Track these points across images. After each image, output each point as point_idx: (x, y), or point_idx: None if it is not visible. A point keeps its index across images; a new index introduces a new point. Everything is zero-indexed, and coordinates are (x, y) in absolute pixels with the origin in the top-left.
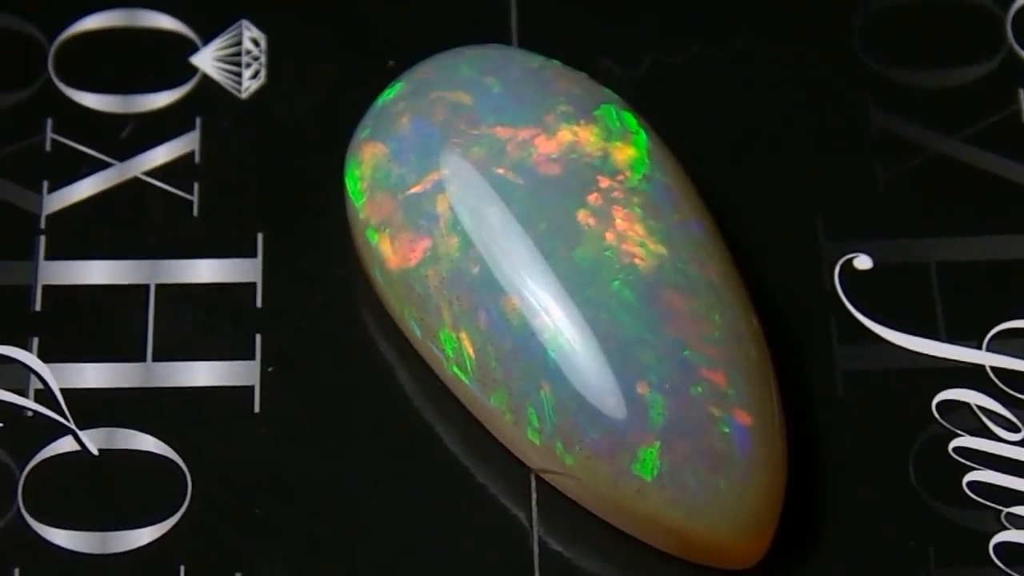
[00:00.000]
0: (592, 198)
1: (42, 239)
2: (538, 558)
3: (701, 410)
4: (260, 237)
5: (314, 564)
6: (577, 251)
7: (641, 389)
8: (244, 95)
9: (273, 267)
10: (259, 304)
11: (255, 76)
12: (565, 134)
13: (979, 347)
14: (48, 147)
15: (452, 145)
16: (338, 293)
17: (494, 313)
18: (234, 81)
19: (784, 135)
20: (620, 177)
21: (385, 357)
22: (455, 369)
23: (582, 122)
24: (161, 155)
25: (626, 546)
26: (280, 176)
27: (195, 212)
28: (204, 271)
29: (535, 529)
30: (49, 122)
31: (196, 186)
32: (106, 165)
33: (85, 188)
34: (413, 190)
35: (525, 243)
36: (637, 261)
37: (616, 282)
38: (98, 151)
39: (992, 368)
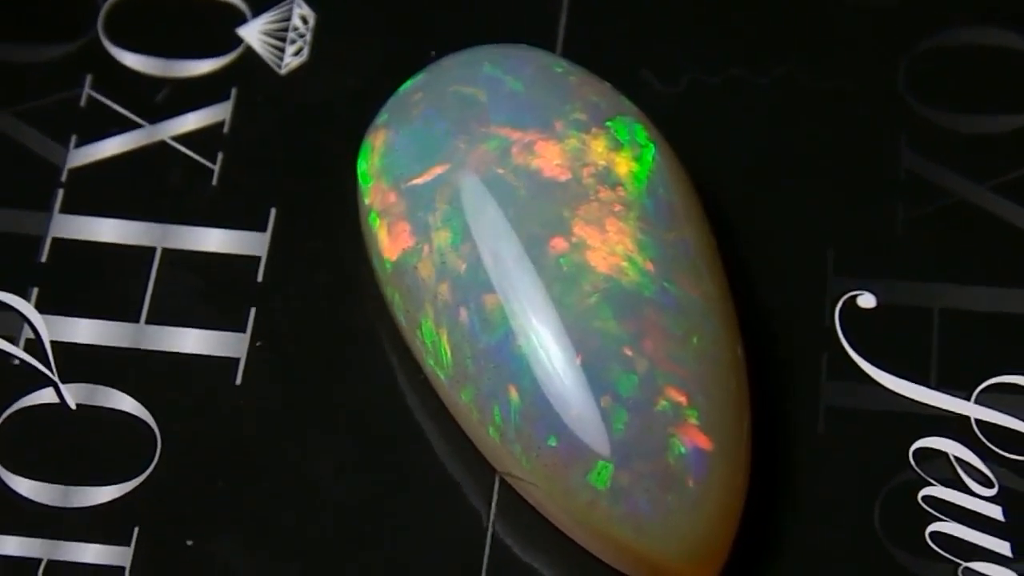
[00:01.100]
0: (589, 208)
1: (60, 192)
2: (487, 559)
3: (661, 430)
4: (273, 212)
5: (264, 543)
6: (564, 259)
7: (605, 402)
8: (283, 71)
9: (281, 244)
10: (260, 278)
11: (297, 53)
12: (573, 141)
13: (968, 398)
14: (83, 102)
15: (459, 141)
16: (340, 277)
17: (474, 311)
18: (276, 56)
19: (810, 165)
20: (620, 190)
21: (375, 345)
22: (431, 362)
23: (592, 131)
24: (191, 122)
25: (578, 557)
26: (304, 155)
27: (214, 181)
28: (212, 240)
29: (490, 529)
30: (88, 78)
31: (220, 156)
32: (136, 126)
33: (111, 147)
34: (414, 181)
35: (514, 246)
36: (622, 275)
37: (596, 295)
38: (131, 112)
39: (977, 421)
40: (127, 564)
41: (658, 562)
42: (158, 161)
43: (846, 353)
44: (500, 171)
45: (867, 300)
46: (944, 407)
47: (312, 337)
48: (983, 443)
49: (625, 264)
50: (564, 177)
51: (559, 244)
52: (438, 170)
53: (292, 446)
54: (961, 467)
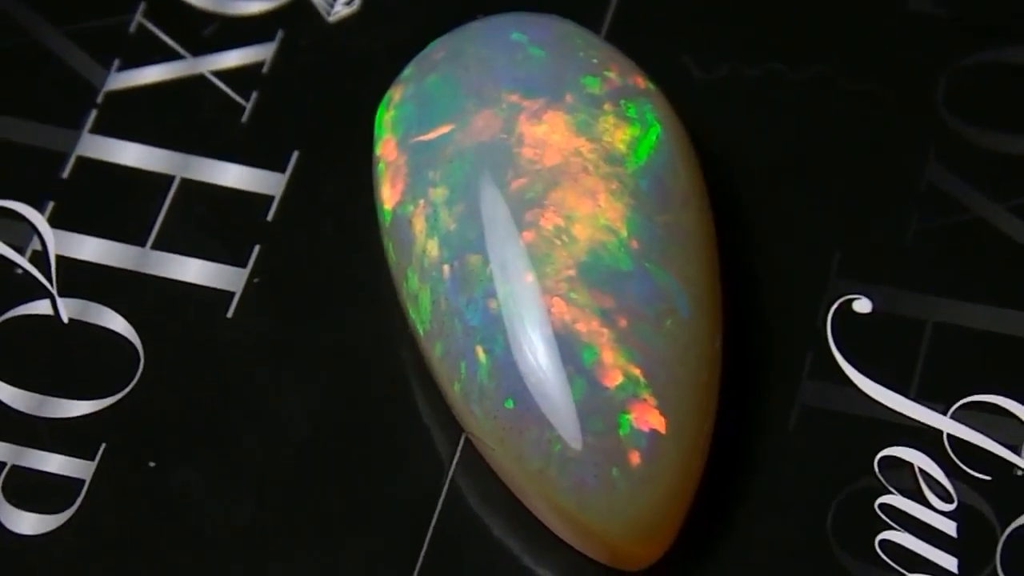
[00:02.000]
0: (585, 181)
1: (94, 112)
2: (440, 508)
3: (616, 405)
4: (295, 155)
5: (225, 472)
6: (551, 228)
7: (565, 372)
8: (331, 19)
9: (297, 186)
10: (269, 218)
11: (349, 3)
12: (581, 115)
13: (944, 412)
14: (132, 28)
15: (469, 103)
16: (348, 225)
17: (456, 269)
18: (327, 3)
19: (832, 165)
20: (619, 167)
21: (370, 295)
22: (413, 315)
23: (605, 106)
24: (233, 59)
25: (532, 526)
26: (336, 104)
27: (244, 119)
28: (231, 175)
29: (448, 482)
30: (142, 6)
31: (254, 95)
32: (178, 57)
33: (151, 75)
34: (420, 137)
35: (505, 210)
36: (604, 250)
37: (575, 267)
38: (177, 43)
39: (949, 436)
40: (87, 478)
41: (600, 537)
42: (194, 93)
43: (831, 354)
44: (503, 136)
45: (863, 305)
46: (919, 419)
47: (310, 281)
48: (951, 458)
49: (610, 239)
50: (566, 148)
51: (549, 214)
52: (443, 129)
53: (269, 383)
54: (924, 479)
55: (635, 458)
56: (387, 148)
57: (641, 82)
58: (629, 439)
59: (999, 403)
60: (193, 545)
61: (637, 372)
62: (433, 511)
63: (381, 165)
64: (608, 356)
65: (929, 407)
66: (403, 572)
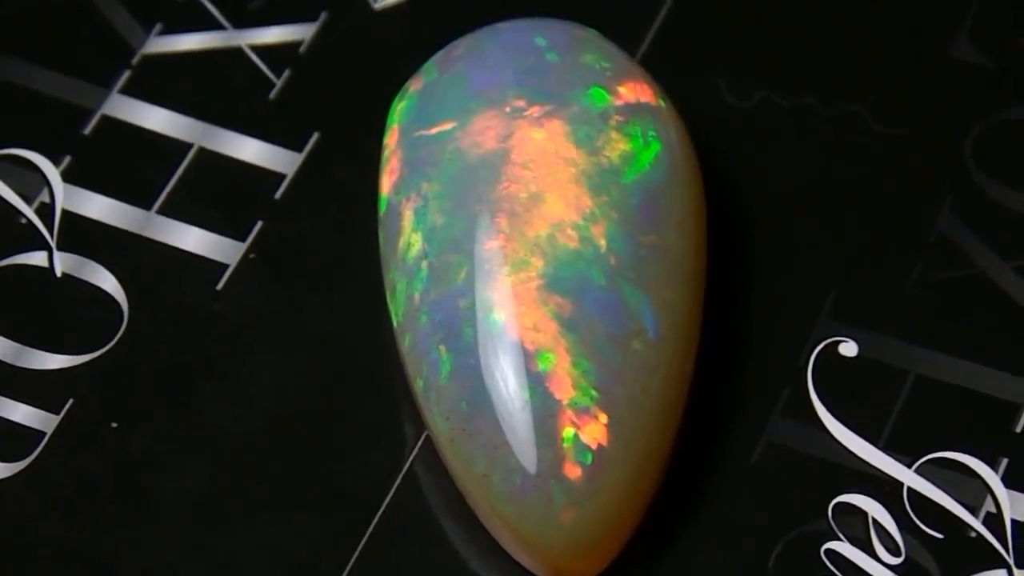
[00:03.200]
0: (574, 192)
1: (127, 73)
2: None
3: (565, 419)
4: (314, 137)
5: (186, 440)
6: (535, 236)
7: (519, 381)
8: (377, 6)
9: (310, 168)
10: (277, 196)
11: None
12: (583, 127)
13: (909, 465)
14: None
15: (474, 103)
16: (352, 212)
17: (434, 266)
18: None
19: (846, 204)
20: (612, 182)
21: (361, 282)
22: (390, 304)
23: (609, 120)
24: (273, 35)
25: (476, 530)
26: (364, 90)
27: (272, 95)
28: (248, 150)
29: (402, 475)
30: None
31: (286, 72)
32: (220, 27)
33: (190, 42)
34: (422, 132)
35: (489, 214)
36: (581, 262)
37: (548, 277)
38: (220, 13)
39: (909, 489)
40: (49, 431)
41: (536, 548)
42: (228, 65)
43: (808, 394)
44: (501, 138)
45: (849, 348)
46: (883, 469)
47: (305, 262)
48: (907, 512)
49: (588, 252)
50: (561, 158)
51: (533, 221)
52: (445, 125)
53: (245, 357)
54: (876, 530)
55: (576, 473)
56: (392, 138)
57: (652, 99)
58: (573, 454)
59: (966, 462)
60: (141, 508)
61: (591, 388)
62: (382, 501)
63: (386, 154)
64: (563, 368)
65: (896, 458)
66: (341, 557)
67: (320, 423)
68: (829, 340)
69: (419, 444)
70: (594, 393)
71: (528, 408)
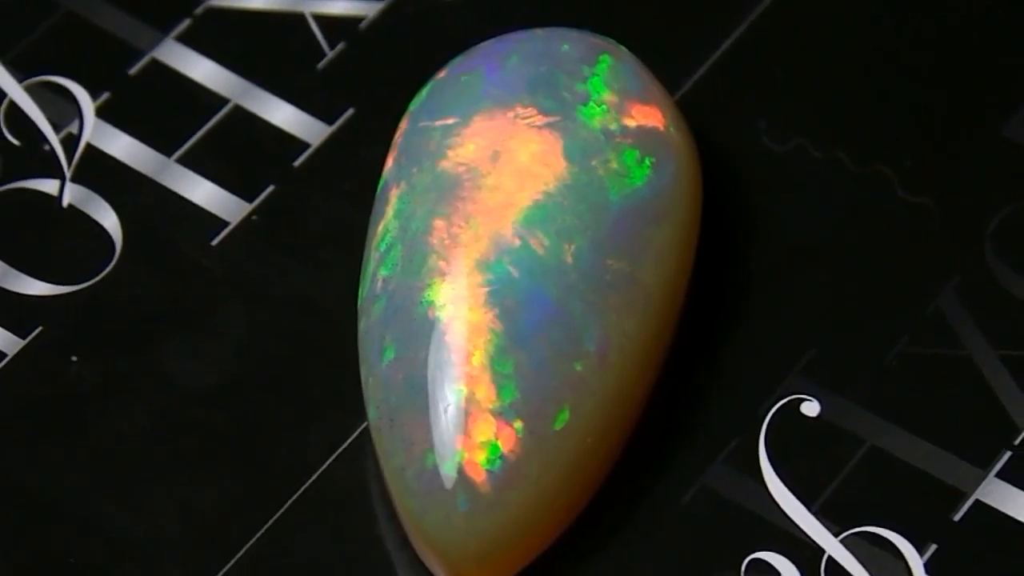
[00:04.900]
0: (553, 206)
1: (187, 22)
2: (316, 478)
3: (483, 425)
4: (347, 112)
5: (140, 385)
6: (504, 240)
7: (449, 380)
8: None
9: (335, 141)
10: (296, 163)
11: None
12: (580, 143)
13: (836, 535)
14: None
15: (481, 102)
16: (363, 191)
17: (402, 254)
18: None
19: (850, 264)
20: (595, 202)
21: (352, 261)
22: (360, 285)
23: (612, 142)
24: (338, 7)
25: (393, 521)
26: (409, 75)
27: (320, 65)
28: (280, 114)
29: (336, 456)
30: None
31: (341, 45)
32: None
33: (257, 1)
34: (425, 123)
35: (467, 212)
36: (540, 275)
37: (504, 284)
38: None
39: (829, 558)
40: (10, 354)
41: (433, 549)
42: (286, 29)
43: (756, 446)
44: (496, 141)
45: (811, 408)
46: (808, 533)
47: (303, 232)
48: None
49: (552, 266)
50: (549, 171)
51: (505, 227)
52: (448, 120)
53: (220, 314)
54: None
55: (482, 481)
56: (403, 124)
57: (661, 126)
58: (484, 460)
59: (894, 541)
60: (75, 443)
61: (517, 399)
62: (308, 479)
63: (395, 138)
64: (493, 374)
65: (825, 524)
66: (251, 526)
67: (271, 390)
68: (793, 396)
69: (360, 429)
70: (518, 404)
71: (450, 409)
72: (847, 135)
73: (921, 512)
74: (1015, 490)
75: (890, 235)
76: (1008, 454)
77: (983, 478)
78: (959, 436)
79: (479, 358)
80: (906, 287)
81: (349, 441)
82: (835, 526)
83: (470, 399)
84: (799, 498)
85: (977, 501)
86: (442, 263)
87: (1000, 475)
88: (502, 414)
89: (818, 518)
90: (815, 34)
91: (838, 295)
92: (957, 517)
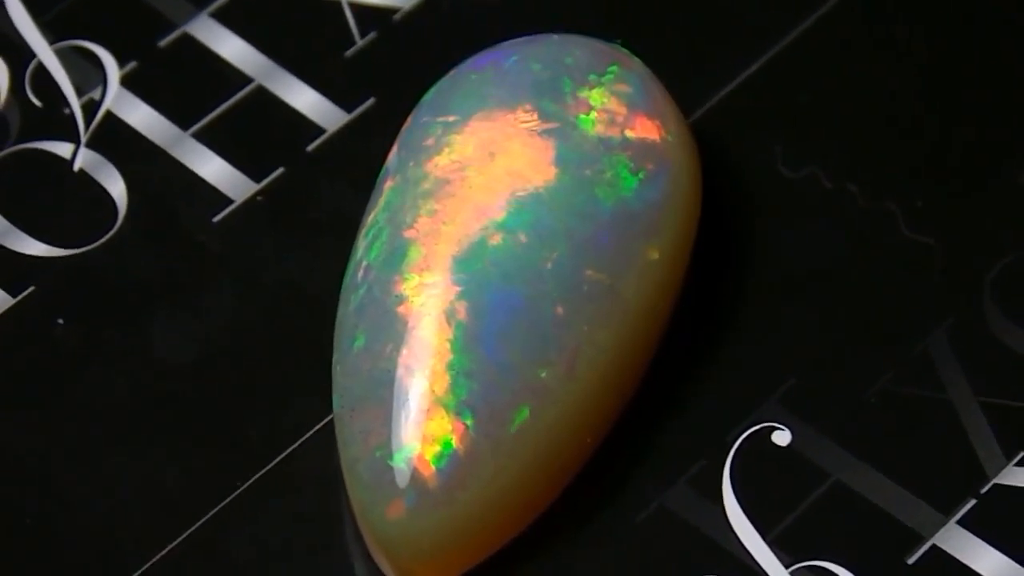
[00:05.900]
0: (540, 211)
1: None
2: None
3: (438, 421)
4: (368, 102)
5: (121, 353)
6: (486, 241)
7: (410, 375)
8: None
9: (352, 130)
10: (309, 148)
11: None
12: (575, 151)
13: (786, 566)
14: None
15: (483, 104)
16: (370, 181)
17: (386, 245)
18: None
19: (843, 297)
20: (580, 211)
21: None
22: (347, 270)
23: (612, 150)
24: None
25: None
26: (435, 70)
27: (348, 53)
28: (302, 98)
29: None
30: None
31: (371, 34)
32: None
33: None
34: (428, 118)
35: (452, 209)
36: (515, 280)
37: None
38: None
39: None
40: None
41: (376, 541)
42: (320, 14)
43: (720, 471)
44: (491, 142)
45: (782, 437)
46: (759, 561)
47: (306, 217)
48: None
49: (529, 271)
50: (541, 176)
51: (488, 228)
52: (449, 117)
53: (209, 291)
54: None
55: (430, 476)
56: (411, 118)
57: (660, 140)
58: (433, 456)
59: (837, 572)
60: (52, 404)
61: (474, 398)
62: (272, 460)
63: (401, 131)
64: (451, 374)
65: (776, 555)
66: (208, 502)
67: (248, 370)
68: (766, 424)
69: (330, 417)
70: (475, 402)
71: (406, 404)
72: (862, 168)
73: (876, 551)
74: (975, 539)
75: (889, 271)
76: (973, 502)
77: (943, 523)
78: (927, 479)
79: (442, 354)
80: (898, 326)
81: (318, 427)
82: (788, 557)
83: (427, 394)
84: (756, 526)
85: (934, 546)
86: (421, 258)
87: (961, 522)
88: (457, 412)
89: (772, 548)
90: (844, 64)
91: (827, 326)
92: (911, 560)
